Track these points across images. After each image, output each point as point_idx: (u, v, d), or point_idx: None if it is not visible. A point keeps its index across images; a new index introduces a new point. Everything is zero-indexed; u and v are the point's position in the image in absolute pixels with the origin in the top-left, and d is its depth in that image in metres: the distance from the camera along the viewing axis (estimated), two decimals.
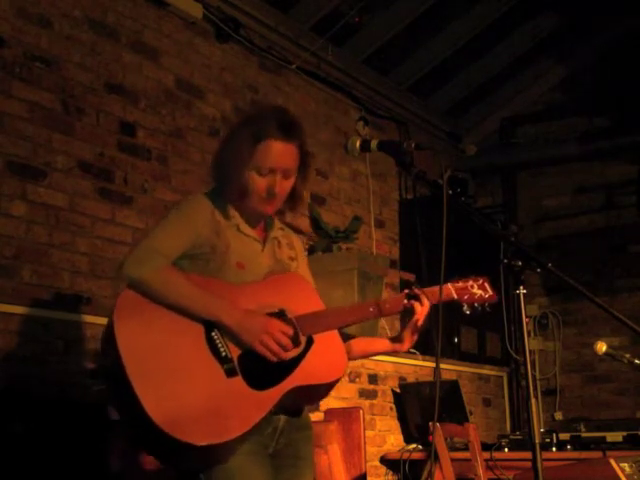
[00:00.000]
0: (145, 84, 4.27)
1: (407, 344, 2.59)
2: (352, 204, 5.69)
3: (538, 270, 2.36)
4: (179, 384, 2.19)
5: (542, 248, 6.67)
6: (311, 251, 5.14)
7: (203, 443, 2.14)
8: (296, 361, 2.34)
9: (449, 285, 2.59)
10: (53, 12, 3.85)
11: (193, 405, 2.17)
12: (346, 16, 5.34)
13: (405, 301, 2.53)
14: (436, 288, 2.53)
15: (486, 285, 2.63)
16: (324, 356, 2.38)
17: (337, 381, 2.42)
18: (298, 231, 2.78)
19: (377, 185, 5.93)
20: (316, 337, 2.40)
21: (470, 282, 2.61)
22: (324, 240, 5.06)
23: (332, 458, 3.87)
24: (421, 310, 2.51)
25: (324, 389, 2.42)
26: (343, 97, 5.74)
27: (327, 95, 5.60)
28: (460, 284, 2.60)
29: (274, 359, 2.30)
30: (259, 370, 2.28)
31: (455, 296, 2.58)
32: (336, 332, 2.46)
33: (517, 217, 6.96)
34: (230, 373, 2.25)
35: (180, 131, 4.43)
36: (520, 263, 2.34)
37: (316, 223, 5.13)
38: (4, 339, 3.38)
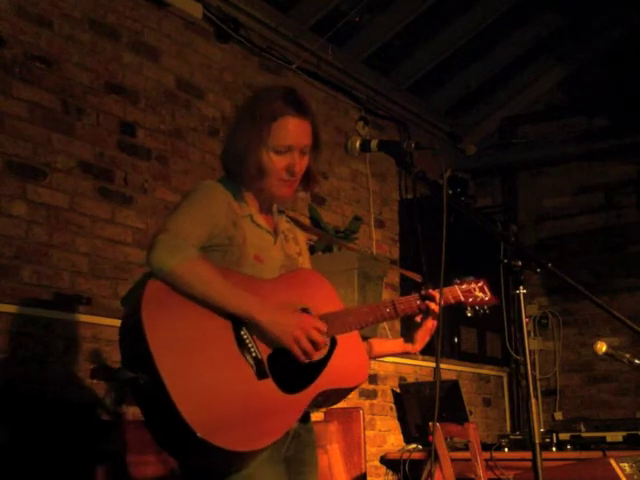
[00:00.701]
0: (145, 84, 4.27)
1: (419, 345, 2.55)
2: (352, 204, 5.69)
3: (538, 270, 2.36)
4: (212, 385, 2.10)
5: (542, 248, 6.68)
6: (311, 251, 5.13)
7: (239, 450, 2.06)
8: (322, 363, 2.27)
9: (456, 287, 2.57)
10: (53, 12, 3.85)
11: (227, 408, 2.08)
12: (346, 16, 5.34)
13: (419, 302, 2.50)
14: (446, 289, 2.52)
15: (485, 288, 2.61)
16: (348, 358, 2.33)
17: (362, 383, 2.38)
18: (303, 227, 2.72)
19: (377, 185, 5.93)
20: (339, 338, 2.34)
21: (472, 284, 2.60)
22: (324, 241, 5.06)
23: (332, 458, 3.87)
24: (436, 309, 2.48)
25: (347, 392, 2.38)
26: (343, 97, 5.74)
27: (327, 95, 5.60)
28: (464, 286, 2.58)
29: (304, 358, 2.22)
30: (288, 372, 2.21)
31: (462, 299, 2.57)
32: (357, 333, 2.40)
33: (517, 217, 6.97)
34: (261, 375, 2.17)
35: (180, 131, 4.43)
36: (520, 263, 2.34)
37: (316, 223, 5.12)
38: (4, 339, 3.38)
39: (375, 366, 5.35)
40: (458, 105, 6.81)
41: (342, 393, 2.36)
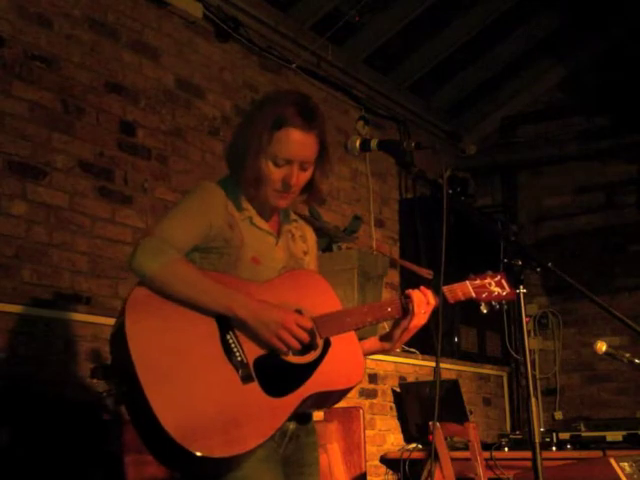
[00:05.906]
0: (145, 84, 4.27)
1: (398, 344, 2.45)
2: (352, 204, 5.69)
3: (538, 269, 2.36)
4: (193, 391, 2.07)
5: (542, 248, 6.67)
6: None
7: (216, 455, 2.03)
8: (313, 365, 2.22)
9: (467, 283, 2.46)
10: (53, 12, 3.85)
11: (207, 414, 2.06)
12: (346, 16, 5.34)
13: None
14: (456, 285, 2.45)
15: (503, 282, 2.48)
16: (342, 360, 2.27)
17: (355, 386, 2.31)
18: (309, 221, 2.66)
19: (377, 184, 5.93)
20: (333, 339, 2.27)
21: (488, 279, 2.49)
22: (324, 240, 5.06)
23: (332, 458, 3.88)
24: (418, 310, 2.36)
25: (340, 394, 2.31)
26: (343, 97, 5.74)
27: (327, 94, 5.60)
28: (478, 282, 2.48)
29: (286, 351, 2.18)
30: (275, 375, 2.17)
31: (473, 295, 2.46)
32: (353, 334, 2.32)
33: (517, 217, 6.97)
34: (246, 379, 2.13)
35: (180, 131, 4.43)
36: (520, 262, 2.34)
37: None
38: (4, 339, 3.38)
39: (375, 366, 5.35)
40: (458, 105, 6.81)
41: (336, 395, 2.30)
